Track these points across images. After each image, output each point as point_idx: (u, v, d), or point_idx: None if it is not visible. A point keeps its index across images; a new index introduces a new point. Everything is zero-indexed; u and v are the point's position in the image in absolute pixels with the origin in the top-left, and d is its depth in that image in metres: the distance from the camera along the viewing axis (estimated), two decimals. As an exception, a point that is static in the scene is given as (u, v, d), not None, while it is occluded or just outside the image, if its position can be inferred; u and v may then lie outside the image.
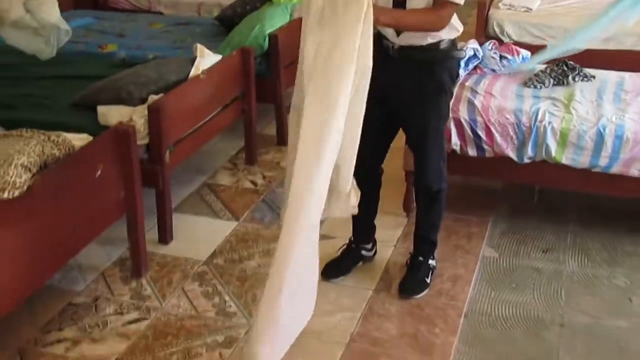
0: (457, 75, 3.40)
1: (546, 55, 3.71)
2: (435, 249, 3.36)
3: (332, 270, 3.39)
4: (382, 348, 2.93)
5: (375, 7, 2.67)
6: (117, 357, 2.88)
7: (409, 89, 3.02)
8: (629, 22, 3.27)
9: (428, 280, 3.30)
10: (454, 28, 2.99)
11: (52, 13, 3.97)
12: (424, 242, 3.35)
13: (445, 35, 2.94)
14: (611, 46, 5.01)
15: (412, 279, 3.30)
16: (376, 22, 2.69)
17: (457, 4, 2.82)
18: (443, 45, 2.96)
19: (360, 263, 3.48)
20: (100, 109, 3.51)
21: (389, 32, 2.97)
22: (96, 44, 4.91)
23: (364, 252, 3.48)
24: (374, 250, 3.53)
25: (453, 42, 3.02)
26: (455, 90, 3.85)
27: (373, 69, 2.60)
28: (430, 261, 3.34)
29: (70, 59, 4.53)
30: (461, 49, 3.23)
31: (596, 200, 3.97)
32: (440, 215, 3.33)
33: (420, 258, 3.33)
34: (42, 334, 3.03)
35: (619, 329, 3.05)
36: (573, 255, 3.58)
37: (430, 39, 2.92)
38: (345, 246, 3.49)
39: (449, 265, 3.49)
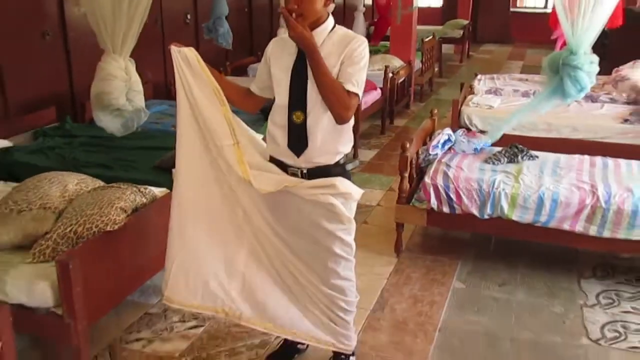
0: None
1: (496, 134, 3.96)
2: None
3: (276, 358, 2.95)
4: (376, 351, 3.00)
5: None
6: (180, 353, 2.97)
7: None
8: (542, 112, 3.55)
9: None
10: (350, 141, 2.54)
11: (140, 101, 4.11)
12: None
13: (345, 149, 2.52)
14: (553, 135, 5.19)
15: None
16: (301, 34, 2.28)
17: (359, 96, 2.40)
18: (342, 160, 2.53)
19: (296, 355, 2.96)
20: (174, 170, 3.70)
21: (291, 160, 2.50)
22: (169, 124, 5.03)
23: (299, 346, 2.94)
24: (306, 345, 2.91)
25: (347, 156, 2.56)
26: (435, 164, 4.07)
27: None
28: (351, 357, 2.85)
29: (150, 134, 4.69)
30: (351, 161, 2.62)
31: (539, 247, 4.00)
32: None
33: (343, 356, 2.82)
34: (125, 334, 3.12)
35: (554, 342, 3.09)
36: (522, 289, 3.60)
37: (336, 156, 2.49)
38: (283, 341, 2.96)
39: (428, 294, 3.53)
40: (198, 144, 2.54)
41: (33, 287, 2.57)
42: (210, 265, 2.62)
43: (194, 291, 2.63)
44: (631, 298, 3.51)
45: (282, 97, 2.48)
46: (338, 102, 2.35)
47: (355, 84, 2.38)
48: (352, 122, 2.51)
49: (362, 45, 2.40)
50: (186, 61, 2.45)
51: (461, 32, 11.82)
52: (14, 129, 4.58)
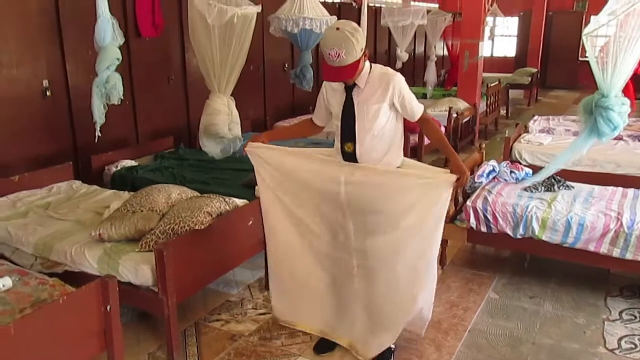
0: None
1: (542, 175, 3.85)
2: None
3: (321, 346, 3.04)
4: (411, 344, 3.09)
5: (458, 167, 2.58)
6: (249, 333, 3.20)
7: None
8: (583, 151, 3.50)
9: None
10: (399, 156, 2.76)
11: (238, 131, 4.49)
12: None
13: (397, 163, 2.76)
14: (596, 170, 5.06)
15: None
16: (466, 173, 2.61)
17: (423, 110, 2.70)
18: None
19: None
20: (257, 188, 3.99)
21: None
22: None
23: None
24: None
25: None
26: (479, 190, 4.13)
27: None
28: (391, 346, 2.95)
29: (244, 159, 4.81)
30: None
31: (572, 268, 3.94)
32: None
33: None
34: (208, 315, 3.40)
35: (572, 349, 3.06)
36: (550, 301, 3.58)
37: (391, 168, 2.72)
38: None
39: (464, 301, 3.58)
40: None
41: (138, 269, 2.92)
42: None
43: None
44: (653, 316, 3.40)
45: (337, 128, 2.74)
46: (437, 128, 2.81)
47: (417, 109, 2.68)
48: (401, 141, 2.74)
49: (399, 80, 2.61)
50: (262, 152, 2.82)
51: (529, 78, 11.60)
52: (140, 152, 5.11)
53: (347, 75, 2.51)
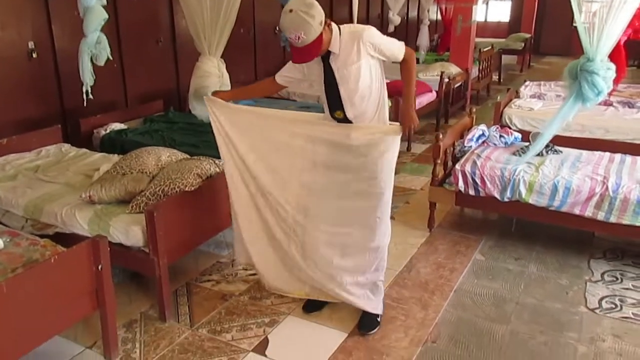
0: None
1: (536, 149, 3.71)
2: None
3: (310, 305, 3.10)
4: (397, 303, 3.17)
5: (404, 115, 2.66)
6: (239, 292, 3.27)
7: None
8: (569, 118, 3.51)
9: (379, 320, 2.97)
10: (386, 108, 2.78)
11: (228, 92, 4.46)
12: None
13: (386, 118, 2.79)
14: (585, 135, 5.11)
15: (367, 317, 2.98)
16: (412, 122, 2.67)
17: (404, 47, 2.68)
18: None
19: (328, 303, 3.10)
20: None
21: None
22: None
23: None
24: None
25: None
26: (468, 154, 4.17)
27: None
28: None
29: None
30: None
31: (558, 231, 4.00)
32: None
33: None
34: (200, 275, 3.46)
35: (555, 308, 3.14)
36: (535, 263, 3.65)
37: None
38: None
39: (450, 262, 3.65)
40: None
41: (129, 230, 2.95)
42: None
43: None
44: (634, 278, 3.48)
45: (323, 99, 2.76)
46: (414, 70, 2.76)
47: (398, 49, 2.65)
48: (385, 92, 2.74)
49: (368, 33, 2.56)
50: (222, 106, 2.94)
51: (522, 44, 11.54)
52: (129, 116, 5.08)
53: (314, 53, 2.48)
